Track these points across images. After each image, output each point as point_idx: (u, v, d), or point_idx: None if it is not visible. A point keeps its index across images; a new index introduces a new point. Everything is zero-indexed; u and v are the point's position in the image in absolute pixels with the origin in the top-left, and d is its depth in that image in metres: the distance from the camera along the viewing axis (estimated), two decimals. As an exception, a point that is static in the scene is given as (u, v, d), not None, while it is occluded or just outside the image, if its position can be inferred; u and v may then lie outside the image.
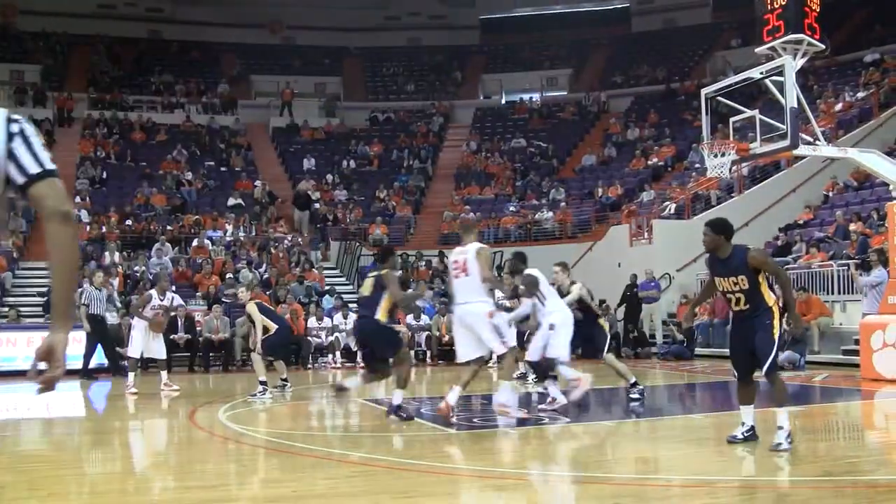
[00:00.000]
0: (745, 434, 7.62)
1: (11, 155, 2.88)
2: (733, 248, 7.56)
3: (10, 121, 2.93)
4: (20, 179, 2.85)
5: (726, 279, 7.48)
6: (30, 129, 2.94)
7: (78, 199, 26.81)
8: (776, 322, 7.39)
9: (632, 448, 8.48)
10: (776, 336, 7.37)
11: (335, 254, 26.50)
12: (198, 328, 18.92)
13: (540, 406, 10.75)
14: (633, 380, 11.23)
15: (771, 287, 7.60)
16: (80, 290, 16.84)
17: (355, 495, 6.17)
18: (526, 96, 38.98)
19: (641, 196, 26.64)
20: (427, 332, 20.33)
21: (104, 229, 24.79)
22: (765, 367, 7.27)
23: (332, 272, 25.42)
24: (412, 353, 20.06)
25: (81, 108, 34.02)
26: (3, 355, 17.48)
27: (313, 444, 8.45)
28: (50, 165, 2.88)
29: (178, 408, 12.35)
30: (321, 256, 26.00)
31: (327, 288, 22.99)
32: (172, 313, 16.37)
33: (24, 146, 2.89)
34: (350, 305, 21.17)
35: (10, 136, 2.91)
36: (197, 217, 26.59)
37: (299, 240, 26.40)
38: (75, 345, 17.84)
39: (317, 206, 28.75)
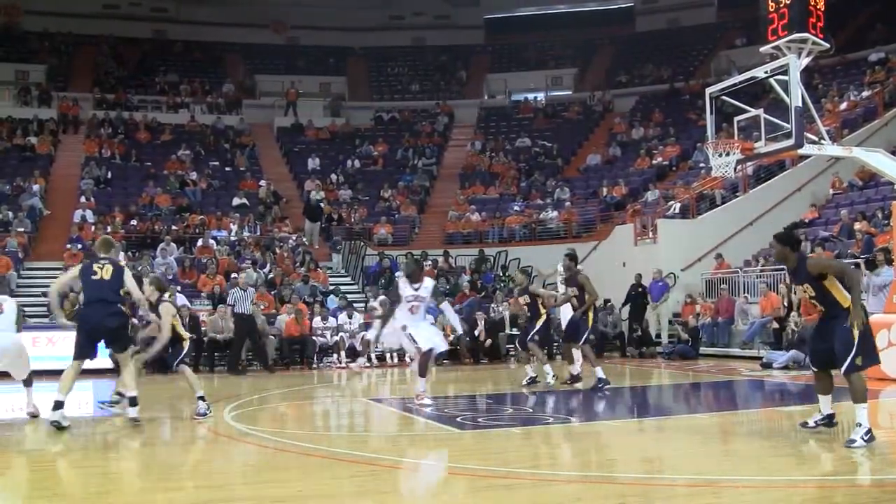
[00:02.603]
0: (819, 422, 8.15)
1: None
2: (798, 259, 7.94)
3: None
4: None
5: (799, 286, 8.06)
6: None
7: (83, 199, 26.86)
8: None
9: (637, 447, 8.47)
10: (856, 337, 7.46)
11: (340, 253, 26.50)
12: (202, 328, 18.93)
13: None
14: (200, 392, 10.57)
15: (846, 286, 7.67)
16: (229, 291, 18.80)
17: (360, 495, 6.18)
18: (530, 96, 38.99)
19: (646, 195, 26.61)
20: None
21: (109, 229, 24.75)
22: (843, 368, 7.52)
23: (337, 271, 25.45)
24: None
25: (86, 108, 34.05)
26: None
27: (318, 444, 8.45)
28: None
29: (183, 408, 12.37)
30: (340, 267, 25.91)
31: (332, 287, 23.01)
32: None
33: None
34: (354, 305, 21.19)
35: None
36: (202, 217, 26.59)
37: (304, 239, 26.39)
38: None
39: (322, 204, 28.66)
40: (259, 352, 18.72)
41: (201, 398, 10.49)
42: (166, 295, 10.83)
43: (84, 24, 39.12)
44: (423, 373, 11.28)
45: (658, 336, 21.06)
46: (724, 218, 22.96)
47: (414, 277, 11.41)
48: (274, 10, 41.33)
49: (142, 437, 9.36)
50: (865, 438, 7.36)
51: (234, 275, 20.60)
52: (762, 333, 18.36)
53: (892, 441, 8.89)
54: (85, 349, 9.71)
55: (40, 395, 10.51)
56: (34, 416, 10.39)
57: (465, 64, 42.18)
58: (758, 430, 9.34)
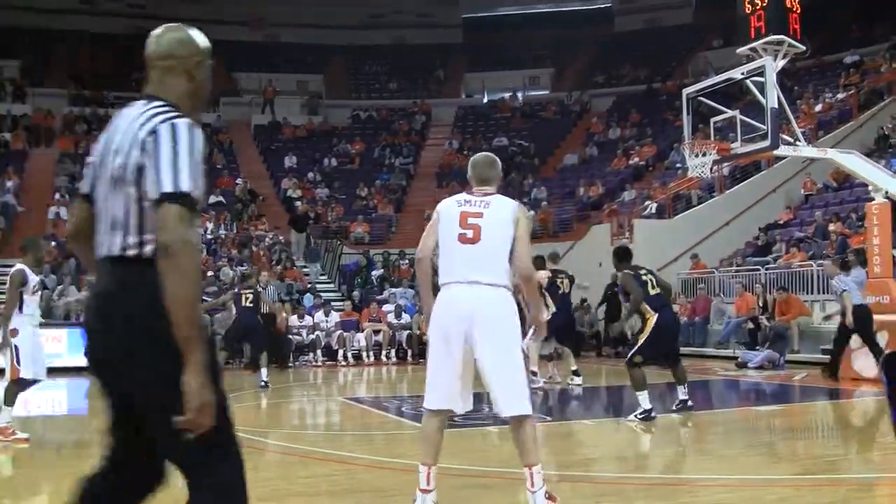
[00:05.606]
0: (677, 406, 10.00)
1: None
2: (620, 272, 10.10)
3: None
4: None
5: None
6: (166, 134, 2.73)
7: (57, 196, 26.66)
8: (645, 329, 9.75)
9: (613, 447, 8.50)
10: (641, 339, 9.83)
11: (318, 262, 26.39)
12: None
13: None
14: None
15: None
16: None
17: (336, 494, 6.16)
18: (508, 95, 39.03)
19: (622, 195, 26.71)
20: (408, 331, 20.32)
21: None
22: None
23: (315, 279, 25.34)
24: (392, 351, 20.10)
25: (61, 104, 33.74)
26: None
27: (294, 443, 8.42)
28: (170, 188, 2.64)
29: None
30: (318, 274, 25.70)
31: (308, 286, 22.93)
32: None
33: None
34: (331, 303, 21.13)
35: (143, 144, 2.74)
36: (178, 214, 26.37)
37: (280, 238, 26.28)
38: (54, 343, 17.77)
39: (299, 204, 28.59)
40: (273, 349, 17.11)
41: None
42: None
43: (59, 19, 38.73)
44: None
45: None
46: (700, 218, 23.08)
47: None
48: (252, 7, 41.13)
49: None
50: (640, 416, 9.16)
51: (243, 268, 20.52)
52: (737, 333, 18.48)
53: (862, 440, 8.98)
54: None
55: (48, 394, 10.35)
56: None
57: (444, 63, 42.16)
58: (733, 430, 9.39)
